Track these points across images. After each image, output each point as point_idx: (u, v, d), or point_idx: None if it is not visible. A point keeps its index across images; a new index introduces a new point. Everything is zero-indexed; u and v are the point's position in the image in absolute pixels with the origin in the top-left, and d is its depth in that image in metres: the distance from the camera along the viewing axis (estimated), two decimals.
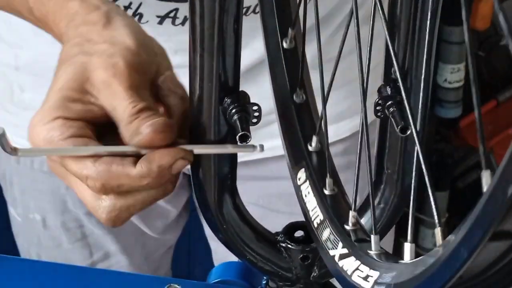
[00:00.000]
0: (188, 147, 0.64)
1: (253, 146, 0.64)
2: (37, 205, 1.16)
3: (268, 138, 0.96)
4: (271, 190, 1.09)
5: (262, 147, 0.65)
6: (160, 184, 0.64)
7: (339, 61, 1.02)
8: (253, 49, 0.94)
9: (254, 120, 0.64)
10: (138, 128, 0.63)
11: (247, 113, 0.63)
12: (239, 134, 0.62)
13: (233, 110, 0.63)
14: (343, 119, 1.05)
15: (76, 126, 0.64)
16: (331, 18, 1.01)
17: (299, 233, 0.70)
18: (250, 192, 1.08)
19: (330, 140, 1.04)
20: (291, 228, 0.70)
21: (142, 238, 1.22)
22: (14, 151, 0.62)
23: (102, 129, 0.66)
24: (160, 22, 0.92)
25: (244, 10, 0.91)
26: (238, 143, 0.63)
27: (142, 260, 1.24)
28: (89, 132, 0.65)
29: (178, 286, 0.76)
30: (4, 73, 1.07)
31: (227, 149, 0.65)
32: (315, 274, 0.70)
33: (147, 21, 0.92)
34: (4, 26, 1.04)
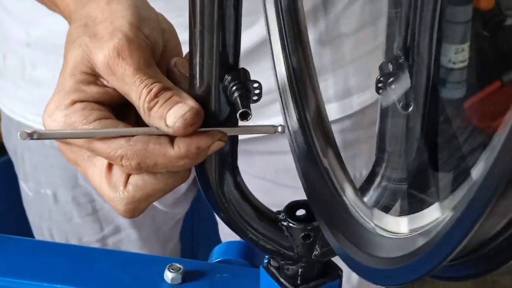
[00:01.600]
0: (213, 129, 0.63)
1: (274, 126, 0.64)
2: (48, 180, 1.17)
3: (276, 114, 0.96)
4: (278, 164, 1.09)
5: (283, 127, 0.64)
6: (192, 166, 0.63)
7: (348, 38, 1.02)
8: (261, 26, 0.93)
9: (255, 98, 0.63)
10: (162, 116, 0.61)
11: (248, 90, 0.62)
12: (239, 112, 0.61)
13: (234, 88, 0.62)
14: (352, 95, 1.04)
15: (98, 108, 0.62)
16: None
17: (300, 212, 0.70)
18: (257, 166, 1.08)
19: (338, 116, 1.04)
20: (292, 207, 0.70)
21: (152, 211, 1.22)
22: (34, 134, 0.59)
23: (115, 110, 0.64)
24: None
25: None
26: (239, 121, 0.62)
27: (151, 233, 1.25)
28: (109, 113, 0.63)
29: (180, 266, 0.76)
30: (16, 50, 1.07)
31: (252, 130, 0.65)
32: (317, 252, 0.69)
33: None
34: (15, 4, 1.04)
